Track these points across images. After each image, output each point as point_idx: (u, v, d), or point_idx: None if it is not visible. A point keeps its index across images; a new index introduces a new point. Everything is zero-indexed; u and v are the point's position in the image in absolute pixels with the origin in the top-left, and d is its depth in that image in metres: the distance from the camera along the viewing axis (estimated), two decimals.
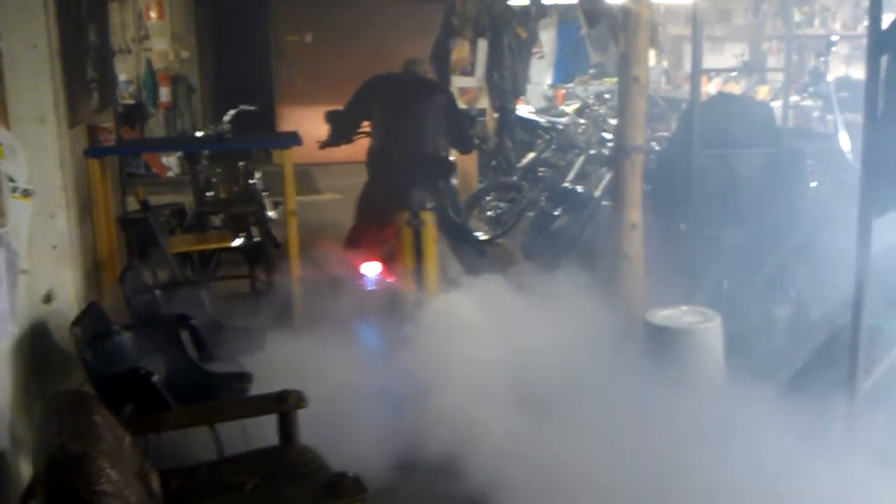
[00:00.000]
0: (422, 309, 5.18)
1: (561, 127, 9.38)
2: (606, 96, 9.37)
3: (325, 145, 6.54)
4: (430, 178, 6.13)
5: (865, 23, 3.46)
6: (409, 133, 6.20)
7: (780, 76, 8.54)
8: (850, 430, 3.65)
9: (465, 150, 6.94)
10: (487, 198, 8.66)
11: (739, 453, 3.75)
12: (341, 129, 6.47)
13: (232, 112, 7.71)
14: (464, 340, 4.65)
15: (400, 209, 5.69)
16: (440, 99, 6.38)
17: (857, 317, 3.56)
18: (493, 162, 9.22)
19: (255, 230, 6.93)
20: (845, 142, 6.40)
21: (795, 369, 4.25)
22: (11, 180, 3.66)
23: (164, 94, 11.66)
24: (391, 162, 6.16)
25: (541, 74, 12.22)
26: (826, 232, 4.86)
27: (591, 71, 11.45)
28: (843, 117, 6.57)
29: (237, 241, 6.47)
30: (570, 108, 10.13)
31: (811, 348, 4.42)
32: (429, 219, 5.66)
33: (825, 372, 4.14)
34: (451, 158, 6.67)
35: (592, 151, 7.86)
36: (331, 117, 6.48)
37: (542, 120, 9.87)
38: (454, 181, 7.12)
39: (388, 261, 5.88)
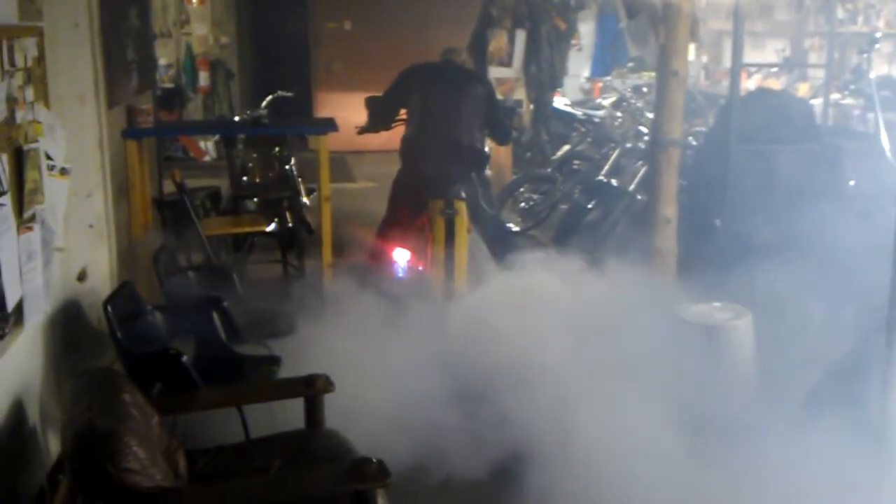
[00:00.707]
0: (456, 298, 5.19)
1: (597, 120, 9.33)
2: (644, 90, 9.31)
3: (362, 131, 6.58)
4: (464, 169, 6.11)
5: None
6: (445, 123, 6.18)
7: (821, 73, 8.44)
8: (882, 431, 3.60)
9: (502, 140, 6.94)
10: (521, 189, 8.63)
11: (765, 453, 3.73)
12: (379, 116, 6.50)
13: (269, 97, 7.73)
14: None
15: (433, 198, 5.69)
16: (478, 89, 6.35)
17: (892, 316, 3.51)
18: (528, 153, 9.19)
19: (288, 216, 6.96)
20: (886, 141, 6.32)
21: (828, 369, 4.20)
22: (49, 158, 3.69)
23: (203, 78, 11.70)
24: (425, 150, 6.15)
25: (578, 66, 12.12)
26: (863, 230, 4.80)
27: (630, 64, 11.35)
28: (885, 116, 6.48)
29: (271, 226, 6.49)
30: (606, 101, 10.06)
31: (845, 348, 4.37)
32: (462, 208, 5.65)
33: (858, 372, 4.09)
34: (486, 150, 6.64)
35: (628, 145, 7.81)
36: (369, 103, 6.52)
37: (578, 112, 9.82)
38: (488, 172, 7.10)
39: (419, 249, 5.87)
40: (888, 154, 6.25)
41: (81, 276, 4.34)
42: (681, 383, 4.20)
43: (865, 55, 7.00)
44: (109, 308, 3.70)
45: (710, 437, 3.88)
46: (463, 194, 5.74)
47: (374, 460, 2.75)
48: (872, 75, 6.92)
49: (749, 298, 4.91)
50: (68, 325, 4.05)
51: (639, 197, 6.83)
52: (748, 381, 4.56)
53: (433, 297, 5.37)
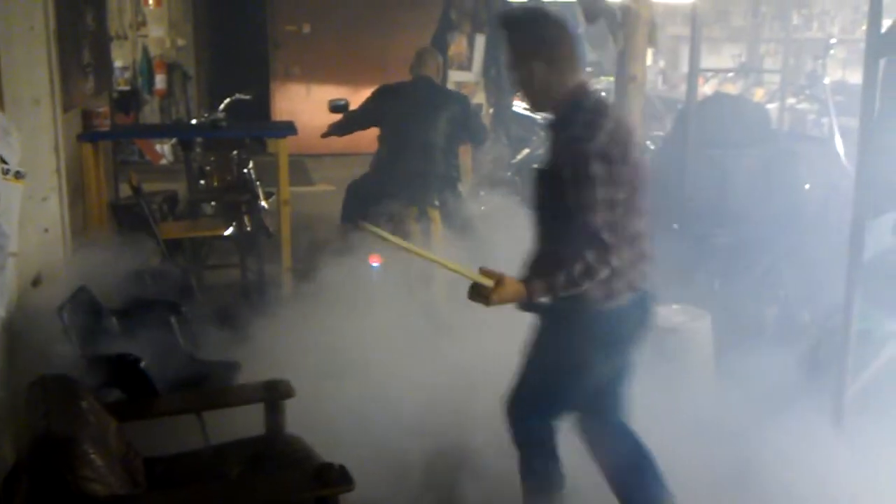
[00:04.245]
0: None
1: None
2: (603, 94, 9.35)
3: (328, 134, 6.55)
4: (437, 192, 6.16)
5: (864, 27, 3.46)
6: (419, 150, 6.14)
7: (776, 78, 8.55)
8: (837, 434, 3.66)
9: (480, 142, 6.95)
10: (481, 193, 8.63)
11: (724, 452, 3.77)
12: (350, 127, 6.52)
13: (227, 100, 7.69)
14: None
15: (407, 204, 5.81)
16: (453, 109, 6.30)
17: (848, 319, 3.56)
18: (489, 157, 9.20)
19: (247, 219, 6.91)
20: (840, 145, 6.41)
21: (784, 371, 4.25)
22: (3, 162, 3.64)
23: (160, 81, 11.61)
24: (397, 174, 6.13)
25: None
26: (818, 234, 4.87)
27: (588, 69, 11.43)
28: (839, 121, 6.58)
29: (229, 230, 6.44)
30: None
31: (800, 350, 4.43)
32: (436, 216, 5.73)
33: (813, 375, 4.15)
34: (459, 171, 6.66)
35: None
36: (344, 112, 6.52)
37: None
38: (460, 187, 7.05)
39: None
40: (842, 158, 6.34)
41: (36, 282, 4.28)
42: (639, 385, 4.23)
43: (820, 61, 7.09)
44: (65, 313, 3.65)
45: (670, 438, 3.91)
46: (436, 202, 5.82)
47: (336, 466, 2.74)
48: (827, 80, 7.01)
49: (707, 301, 4.96)
50: (23, 330, 3.98)
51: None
52: (707, 382, 4.60)
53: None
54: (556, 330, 3.20)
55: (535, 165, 3.26)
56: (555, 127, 3.13)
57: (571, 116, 3.04)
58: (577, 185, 2.91)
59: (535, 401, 3.35)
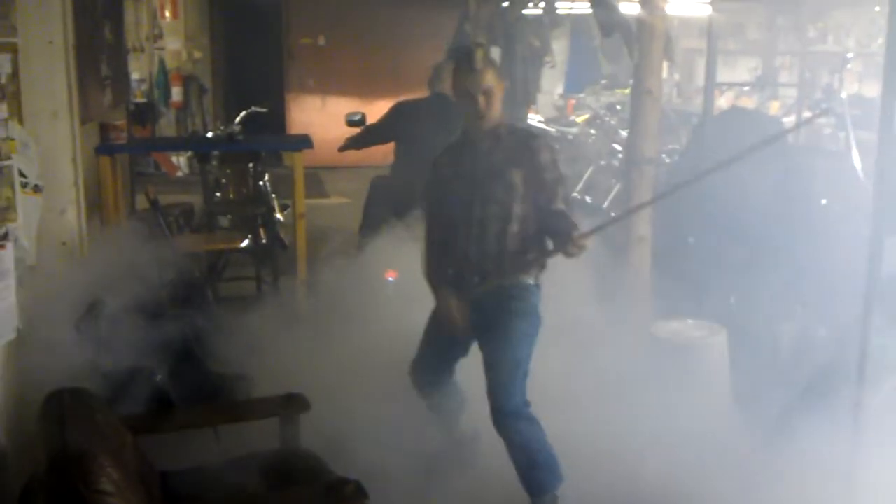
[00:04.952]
0: None
1: (571, 137, 9.37)
2: (618, 107, 9.36)
3: (345, 148, 6.61)
4: None
5: (880, 40, 3.45)
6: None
7: (792, 91, 8.52)
8: (854, 449, 3.63)
9: None
10: None
11: (741, 467, 3.75)
12: (367, 141, 6.60)
13: (243, 113, 7.71)
14: None
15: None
16: None
17: (864, 335, 3.54)
18: None
19: (262, 232, 6.93)
20: (857, 159, 6.38)
21: (801, 386, 4.23)
22: (22, 175, 3.66)
23: (176, 93, 11.69)
24: (413, 195, 6.14)
25: (552, 83, 12.20)
26: (835, 249, 4.84)
27: (603, 81, 11.45)
28: (856, 135, 6.54)
29: (244, 243, 6.46)
30: (580, 119, 10.12)
31: (817, 366, 4.40)
32: None
33: (830, 390, 4.12)
34: None
35: (602, 162, 7.84)
36: (355, 123, 6.57)
37: (552, 129, 9.85)
38: None
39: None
40: (859, 172, 6.31)
41: (54, 294, 4.29)
42: (655, 401, 4.21)
43: (837, 75, 7.07)
44: (81, 326, 3.66)
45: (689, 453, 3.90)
46: None
47: (352, 481, 2.74)
48: (844, 94, 6.98)
49: (723, 316, 4.94)
50: (41, 342, 3.99)
51: (612, 214, 6.85)
52: (722, 398, 4.58)
53: None
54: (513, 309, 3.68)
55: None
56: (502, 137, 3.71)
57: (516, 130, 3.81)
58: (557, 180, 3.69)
59: (517, 387, 3.58)
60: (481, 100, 3.64)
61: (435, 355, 3.96)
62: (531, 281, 3.76)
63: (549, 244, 3.73)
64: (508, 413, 3.56)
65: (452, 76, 3.75)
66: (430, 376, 3.96)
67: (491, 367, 3.65)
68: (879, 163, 3.48)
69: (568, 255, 3.47)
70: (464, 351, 3.93)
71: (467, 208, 3.72)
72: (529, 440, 3.58)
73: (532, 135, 3.85)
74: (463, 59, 3.70)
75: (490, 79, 3.65)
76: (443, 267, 3.85)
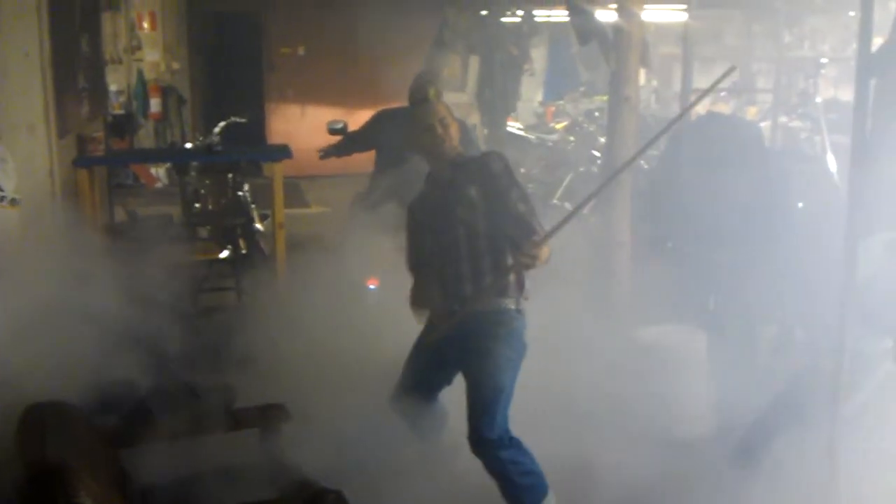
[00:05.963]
0: None
1: (550, 144, 9.40)
2: (596, 114, 9.39)
3: (326, 155, 6.61)
4: None
5: (854, 46, 3.48)
6: (411, 178, 6.16)
7: (768, 97, 8.58)
8: (831, 454, 3.65)
9: None
10: None
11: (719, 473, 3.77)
12: (349, 149, 6.60)
13: (222, 124, 7.70)
14: None
15: None
16: None
17: (841, 338, 3.56)
18: None
19: (242, 242, 6.91)
20: (832, 163, 6.43)
21: (777, 392, 4.25)
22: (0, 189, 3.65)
23: (155, 104, 11.63)
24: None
25: (531, 91, 12.24)
26: (812, 252, 4.88)
27: (582, 89, 11.49)
28: (831, 139, 6.60)
29: (224, 253, 6.44)
30: (559, 126, 10.15)
31: (793, 371, 4.42)
32: None
33: (806, 398, 4.14)
34: None
35: (581, 169, 7.87)
36: (337, 131, 6.57)
37: (531, 136, 9.88)
38: None
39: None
40: (835, 176, 6.36)
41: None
42: (636, 405, 4.23)
43: (812, 80, 7.12)
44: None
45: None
46: None
47: (332, 491, 2.73)
48: (819, 99, 7.03)
49: (701, 320, 4.96)
50: (19, 356, 3.97)
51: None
52: (701, 402, 4.60)
53: None
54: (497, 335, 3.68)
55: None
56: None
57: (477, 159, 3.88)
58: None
59: (499, 414, 3.57)
60: (438, 127, 3.77)
61: (418, 385, 3.96)
62: (512, 306, 3.77)
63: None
64: (488, 441, 3.56)
65: (409, 130, 3.91)
66: (413, 404, 3.95)
67: (473, 390, 3.65)
68: (853, 168, 3.51)
69: (524, 266, 3.51)
70: (447, 380, 3.95)
71: (440, 237, 3.82)
72: (509, 466, 3.58)
73: (484, 152, 4.04)
74: (417, 97, 3.84)
75: (443, 111, 3.85)
76: (429, 296, 3.91)
